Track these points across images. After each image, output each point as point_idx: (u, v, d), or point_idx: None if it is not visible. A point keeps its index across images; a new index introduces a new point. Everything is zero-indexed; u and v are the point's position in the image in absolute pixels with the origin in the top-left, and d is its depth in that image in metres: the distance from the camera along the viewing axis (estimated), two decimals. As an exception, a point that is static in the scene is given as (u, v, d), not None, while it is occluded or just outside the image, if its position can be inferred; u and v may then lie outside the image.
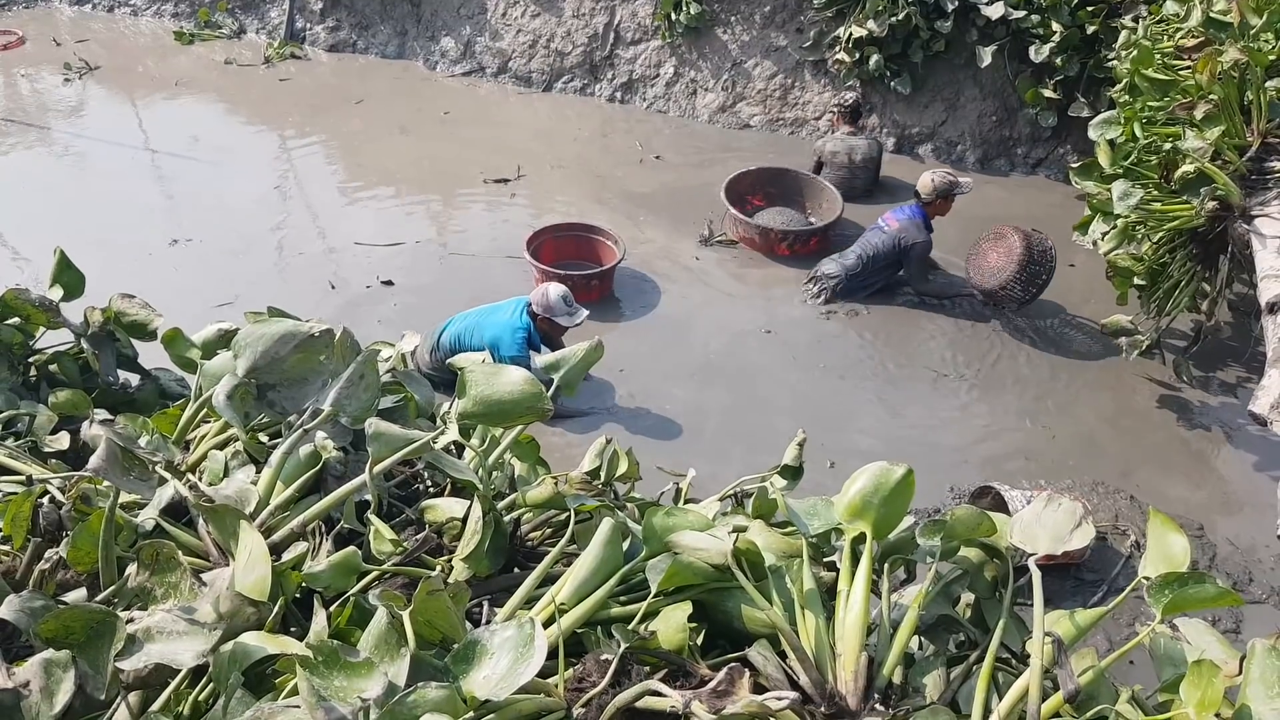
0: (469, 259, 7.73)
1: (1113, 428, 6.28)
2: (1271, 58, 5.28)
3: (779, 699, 1.43)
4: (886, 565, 1.92)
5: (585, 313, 6.22)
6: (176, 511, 1.96)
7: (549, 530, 2.19)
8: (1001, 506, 5.05)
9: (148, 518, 1.89)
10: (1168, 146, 5.61)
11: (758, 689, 1.61)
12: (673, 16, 9.92)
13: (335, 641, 1.41)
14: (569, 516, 2.03)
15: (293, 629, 1.74)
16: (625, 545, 1.87)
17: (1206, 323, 6.33)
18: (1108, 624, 4.84)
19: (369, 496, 1.92)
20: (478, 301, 7.20)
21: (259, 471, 2.07)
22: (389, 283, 7.39)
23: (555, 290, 6.14)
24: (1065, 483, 5.81)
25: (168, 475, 1.95)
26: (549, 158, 9.23)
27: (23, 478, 2.14)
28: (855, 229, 7.86)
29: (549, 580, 1.86)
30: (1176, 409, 6.42)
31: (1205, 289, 6.10)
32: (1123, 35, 7.07)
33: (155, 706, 1.53)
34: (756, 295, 7.53)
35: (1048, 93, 8.73)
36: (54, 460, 2.36)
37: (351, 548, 1.81)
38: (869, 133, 9.33)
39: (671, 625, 1.71)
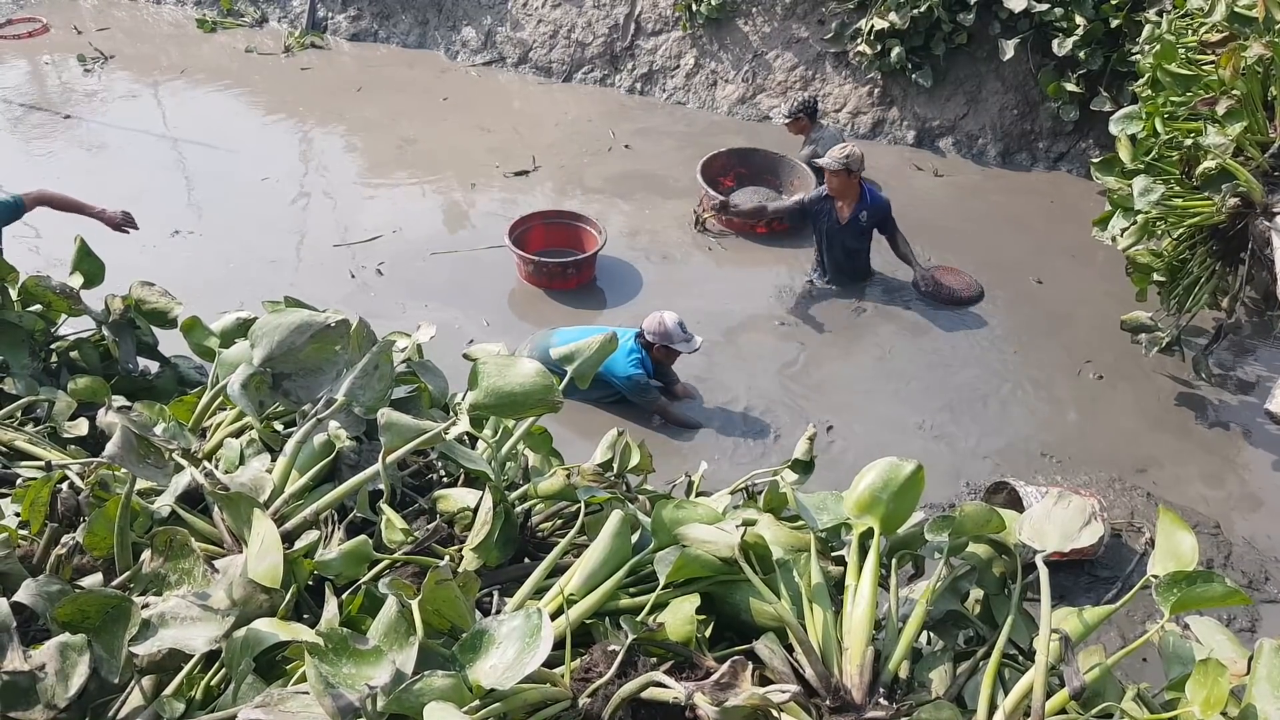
0: (483, 250, 7.75)
1: (1130, 424, 6.24)
2: (1295, 53, 5.23)
3: (781, 692, 1.44)
4: (895, 560, 1.93)
5: (700, 340, 6.10)
6: (192, 498, 1.98)
7: (560, 521, 2.21)
8: (1016, 502, 5.03)
9: (163, 504, 1.92)
10: (1189, 142, 5.56)
11: (764, 682, 1.62)
12: (694, 7, 9.90)
13: (345, 629, 1.43)
14: (580, 508, 2.05)
15: (305, 616, 1.76)
16: (635, 537, 1.88)
17: (1226, 320, 6.27)
18: (1122, 621, 4.83)
19: (382, 486, 1.94)
20: (490, 292, 7.26)
21: (274, 460, 2.09)
22: (379, 272, 7.44)
23: (671, 317, 5.98)
24: (1081, 479, 5.78)
25: (183, 462, 1.98)
26: (565, 148, 9.23)
27: (42, 463, 2.17)
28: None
29: (559, 571, 1.87)
30: (1195, 406, 6.38)
31: (1226, 286, 6.06)
32: (1146, 29, 7.01)
33: (168, 691, 1.55)
34: (751, 276, 7.59)
35: (1070, 87, 8.67)
36: (73, 446, 2.39)
37: (363, 536, 1.83)
38: (891, 125, 9.36)
39: (679, 617, 1.72)
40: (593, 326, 6.36)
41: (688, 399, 6.39)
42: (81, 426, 2.45)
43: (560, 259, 7.33)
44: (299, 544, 1.79)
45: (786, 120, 8.69)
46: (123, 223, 5.63)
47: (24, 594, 1.52)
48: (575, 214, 7.81)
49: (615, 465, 2.45)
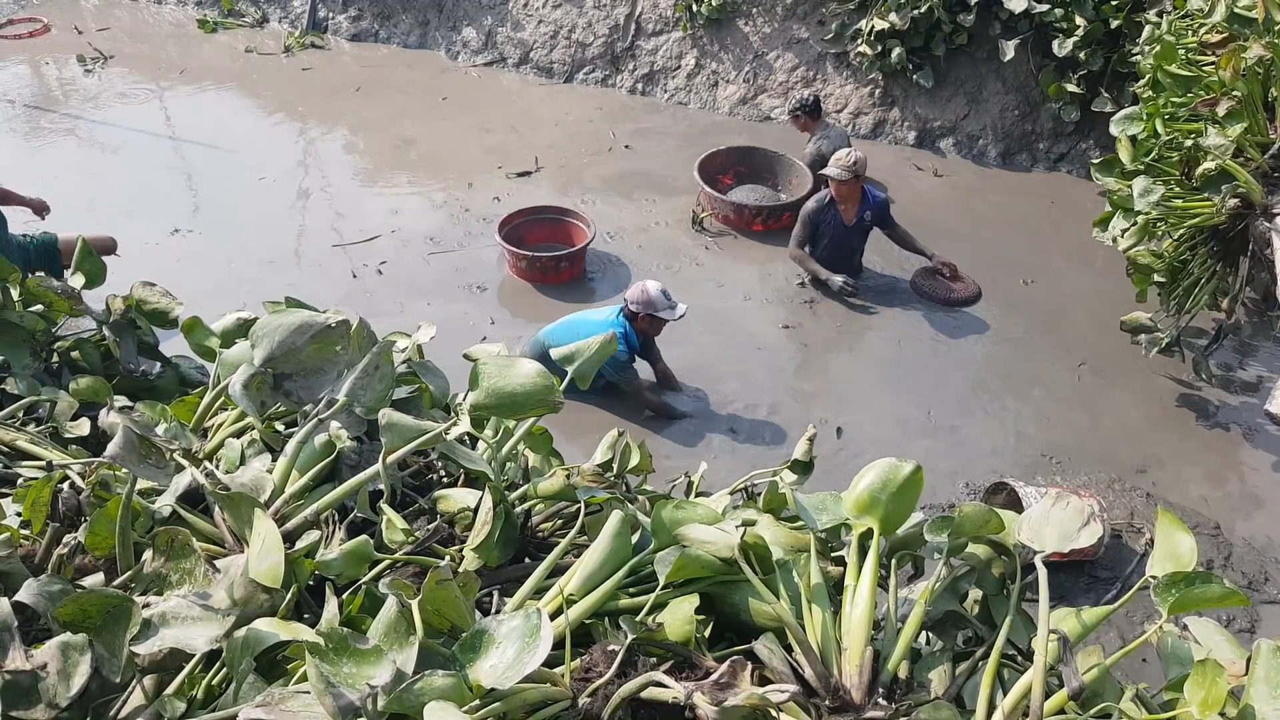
0: (478, 248, 7.76)
1: (1130, 425, 6.25)
2: (1295, 54, 5.23)
3: (780, 692, 1.44)
4: (894, 561, 1.94)
5: (684, 306, 6.08)
6: (193, 498, 1.99)
7: (560, 521, 2.21)
8: (1016, 503, 5.04)
9: (164, 504, 1.92)
10: (1189, 143, 5.57)
11: (763, 681, 1.62)
12: (694, 8, 9.91)
13: (345, 629, 1.43)
14: (580, 508, 2.05)
15: (305, 616, 1.77)
16: (635, 537, 1.89)
17: (1226, 321, 6.29)
18: (1121, 621, 4.83)
19: (382, 486, 1.94)
20: (489, 289, 7.27)
21: (274, 460, 2.10)
22: (379, 271, 7.46)
23: (654, 285, 5.98)
24: (1081, 479, 5.79)
25: (184, 462, 1.98)
26: (566, 148, 9.24)
27: (43, 463, 2.17)
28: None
29: (559, 571, 1.88)
30: (1195, 407, 6.38)
31: (1226, 287, 6.06)
32: (1147, 30, 7.02)
33: (169, 690, 1.55)
34: (750, 274, 7.62)
35: (1071, 87, 8.67)
36: (74, 446, 2.39)
37: (364, 536, 1.83)
38: (892, 125, 9.40)
39: (679, 617, 1.72)
40: (580, 314, 6.33)
41: (671, 389, 6.39)
42: (83, 426, 2.45)
43: (553, 253, 7.38)
44: (300, 544, 1.79)
45: (788, 118, 8.70)
46: (40, 208, 6.30)
47: (26, 593, 1.53)
48: (564, 209, 7.89)
49: (615, 465, 2.46)
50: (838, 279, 7.17)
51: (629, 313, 6.02)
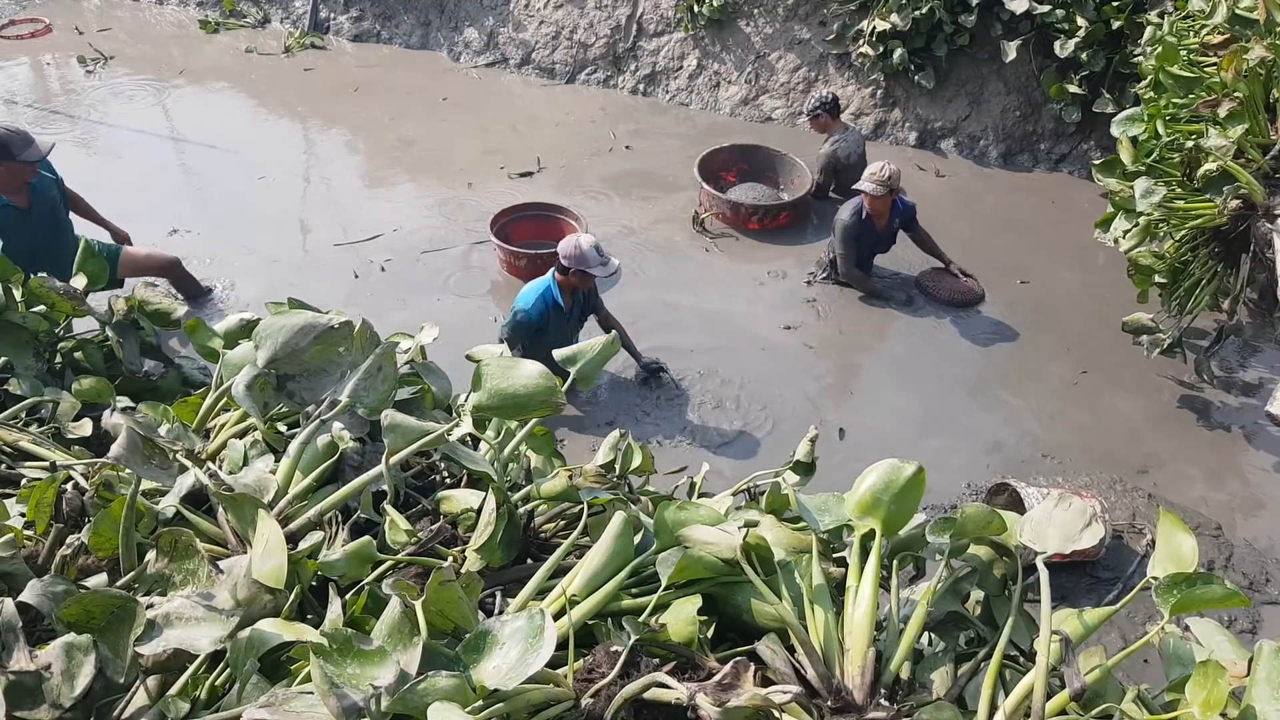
0: (473, 246, 7.77)
1: (1132, 426, 6.25)
2: (1297, 55, 5.23)
3: (783, 693, 1.45)
4: (896, 561, 1.94)
5: (618, 263, 5.89)
6: (196, 499, 1.99)
7: (563, 522, 2.21)
8: (1018, 503, 5.04)
9: (168, 505, 1.93)
10: (1191, 144, 5.57)
11: (765, 682, 1.63)
12: (695, 8, 9.91)
13: (349, 630, 1.44)
14: (582, 509, 2.05)
15: (309, 616, 1.77)
16: (637, 538, 1.89)
17: (1228, 322, 6.28)
18: (1123, 622, 4.83)
19: (385, 487, 1.94)
20: (489, 288, 7.30)
21: (277, 461, 2.10)
22: (383, 269, 7.48)
23: (586, 239, 5.79)
24: (1083, 480, 5.79)
25: (188, 463, 1.98)
26: (567, 149, 9.24)
27: (47, 464, 2.18)
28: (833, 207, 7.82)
29: (561, 572, 1.88)
30: (1197, 408, 6.38)
31: (1227, 287, 6.06)
32: (1148, 31, 7.02)
33: (173, 690, 1.56)
34: (751, 274, 7.61)
35: (1072, 88, 8.67)
36: (77, 447, 2.40)
37: (367, 537, 1.84)
38: (893, 126, 9.39)
39: (681, 618, 1.73)
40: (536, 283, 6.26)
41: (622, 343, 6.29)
42: (86, 427, 2.46)
43: (554, 250, 7.35)
44: (303, 545, 1.80)
45: (807, 117, 8.60)
46: (123, 239, 6.74)
47: (30, 594, 1.53)
48: (554, 205, 7.88)
49: (617, 466, 2.46)
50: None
51: (560, 266, 5.88)
